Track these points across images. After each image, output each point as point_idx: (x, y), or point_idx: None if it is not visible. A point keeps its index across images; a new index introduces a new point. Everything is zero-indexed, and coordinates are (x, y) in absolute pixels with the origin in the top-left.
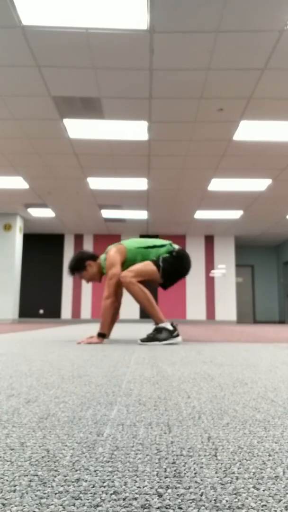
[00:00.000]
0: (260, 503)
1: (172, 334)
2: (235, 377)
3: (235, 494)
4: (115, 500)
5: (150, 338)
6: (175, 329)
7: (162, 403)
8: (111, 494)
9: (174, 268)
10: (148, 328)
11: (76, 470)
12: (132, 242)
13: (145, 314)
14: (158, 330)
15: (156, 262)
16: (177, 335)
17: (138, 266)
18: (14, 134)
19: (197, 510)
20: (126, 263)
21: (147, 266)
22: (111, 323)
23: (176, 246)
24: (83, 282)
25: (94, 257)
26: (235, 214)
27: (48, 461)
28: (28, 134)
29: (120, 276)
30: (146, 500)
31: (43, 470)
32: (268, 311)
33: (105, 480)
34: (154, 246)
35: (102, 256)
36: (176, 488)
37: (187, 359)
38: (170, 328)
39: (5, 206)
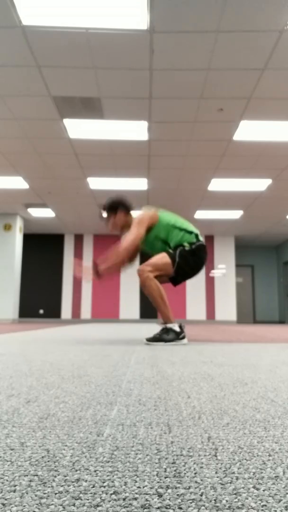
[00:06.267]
0: (260, 503)
1: (179, 336)
2: (235, 377)
3: (235, 494)
4: (115, 500)
5: (156, 338)
6: (182, 331)
7: (162, 403)
8: (111, 494)
9: (188, 266)
10: (148, 328)
11: (76, 470)
12: (167, 216)
13: (145, 314)
14: (165, 331)
15: (172, 256)
16: (183, 337)
17: (155, 260)
18: (14, 134)
19: (197, 510)
20: (151, 232)
21: (163, 259)
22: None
23: (201, 239)
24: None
25: (128, 209)
26: (235, 214)
27: (48, 461)
28: (28, 134)
29: (137, 270)
30: (146, 500)
31: (43, 470)
32: (268, 311)
33: (105, 480)
34: (182, 230)
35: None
36: (176, 488)
37: (187, 359)
38: (177, 329)
39: (5, 206)
